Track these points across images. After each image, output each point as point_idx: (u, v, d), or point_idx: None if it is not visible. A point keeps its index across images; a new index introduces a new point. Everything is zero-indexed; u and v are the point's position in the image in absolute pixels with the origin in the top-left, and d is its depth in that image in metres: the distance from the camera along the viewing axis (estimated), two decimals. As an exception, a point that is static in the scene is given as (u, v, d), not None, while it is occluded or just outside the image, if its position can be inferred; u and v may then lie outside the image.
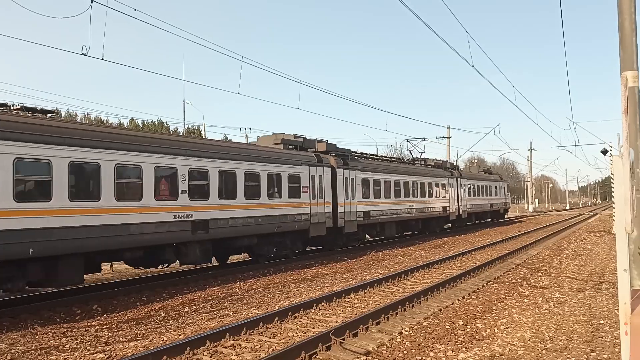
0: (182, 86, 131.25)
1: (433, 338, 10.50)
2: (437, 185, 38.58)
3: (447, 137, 61.95)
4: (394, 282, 17.17)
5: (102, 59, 17.02)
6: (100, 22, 28.05)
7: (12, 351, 10.29)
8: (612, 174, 4.77)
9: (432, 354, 9.50)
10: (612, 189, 4.84)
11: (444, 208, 39.47)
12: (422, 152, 42.72)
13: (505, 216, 61.37)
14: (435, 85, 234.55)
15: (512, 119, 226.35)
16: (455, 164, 48.86)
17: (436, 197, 38.27)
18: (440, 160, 43.71)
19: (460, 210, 42.86)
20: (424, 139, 43.24)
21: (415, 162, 40.31)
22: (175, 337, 10.89)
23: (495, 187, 54.01)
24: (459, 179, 43.06)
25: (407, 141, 43.29)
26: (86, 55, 16.26)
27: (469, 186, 45.34)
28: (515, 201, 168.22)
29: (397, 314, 12.46)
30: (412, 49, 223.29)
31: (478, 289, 16.09)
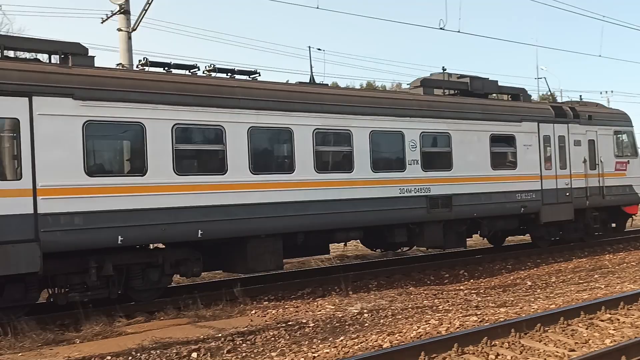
0: (535, 52, 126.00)
1: None
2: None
3: None
4: None
5: (459, 31, 17.50)
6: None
7: (392, 307, 11.30)
8: None
9: None
10: None
11: None
12: None
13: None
14: None
15: None
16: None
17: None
18: None
19: None
20: None
21: None
22: (546, 306, 10.65)
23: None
24: None
25: None
26: (443, 29, 16.96)
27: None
28: None
29: None
30: None
31: None
